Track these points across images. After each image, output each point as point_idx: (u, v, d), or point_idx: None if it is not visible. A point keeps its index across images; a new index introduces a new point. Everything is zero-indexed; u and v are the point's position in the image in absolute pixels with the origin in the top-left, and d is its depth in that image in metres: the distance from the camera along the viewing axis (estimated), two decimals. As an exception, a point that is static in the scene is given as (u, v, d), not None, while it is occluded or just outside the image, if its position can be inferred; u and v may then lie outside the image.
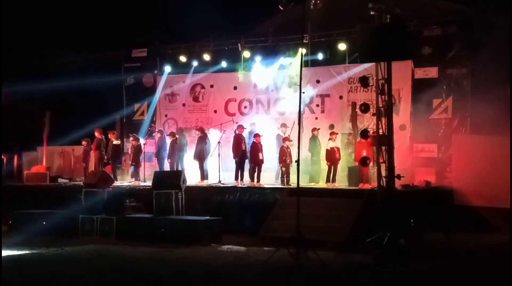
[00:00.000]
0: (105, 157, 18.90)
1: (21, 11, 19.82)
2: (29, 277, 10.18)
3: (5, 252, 11.68)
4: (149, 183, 16.82)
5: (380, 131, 13.07)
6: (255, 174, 17.15)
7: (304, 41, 18.05)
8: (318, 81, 19.27)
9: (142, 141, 19.35)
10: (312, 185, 17.12)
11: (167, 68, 21.34)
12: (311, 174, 17.65)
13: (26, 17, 20.81)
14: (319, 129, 17.92)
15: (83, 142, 19.21)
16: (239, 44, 20.36)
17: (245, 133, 18.00)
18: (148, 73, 22.17)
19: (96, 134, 18.90)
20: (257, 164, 17.18)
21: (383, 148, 12.98)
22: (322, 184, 17.03)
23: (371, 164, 14.67)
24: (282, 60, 19.56)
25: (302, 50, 15.73)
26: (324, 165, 17.24)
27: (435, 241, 13.42)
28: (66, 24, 21.50)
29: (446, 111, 17.51)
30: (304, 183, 16.45)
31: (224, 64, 20.53)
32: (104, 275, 10.12)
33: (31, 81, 21.01)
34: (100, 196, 15.49)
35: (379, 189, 13.03)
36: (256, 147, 17.23)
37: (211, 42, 20.95)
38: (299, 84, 11.99)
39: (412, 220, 13.32)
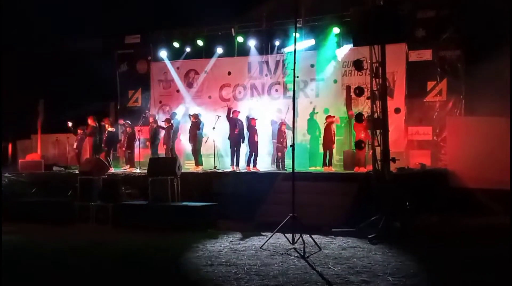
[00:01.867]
0: (103, 145, 18.88)
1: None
2: (24, 265, 10.18)
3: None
4: (144, 170, 16.81)
5: (375, 114, 13.06)
6: (252, 159, 17.17)
7: (298, 25, 17.98)
8: (312, 65, 19.25)
9: (136, 128, 19.28)
10: (312, 169, 17.13)
11: (163, 53, 21.27)
12: (311, 158, 17.69)
13: (17, 4, 20.63)
14: (317, 113, 17.94)
15: (78, 130, 19.16)
16: (232, 29, 20.30)
17: (242, 118, 17.99)
18: (142, 59, 22.12)
19: (90, 121, 18.85)
20: (253, 148, 17.19)
21: (378, 131, 12.98)
22: (320, 168, 17.07)
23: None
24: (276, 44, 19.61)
25: (296, 34, 15.69)
26: (322, 149, 17.29)
27: (430, 223, 13.47)
28: (58, 11, 21.33)
29: (441, 94, 17.57)
30: (304, 168, 16.49)
31: (219, 50, 20.48)
32: (100, 262, 10.14)
33: (24, 68, 20.95)
34: (95, 183, 15.47)
35: (374, 172, 13.04)
36: (252, 131, 17.25)
37: (204, 28, 20.87)
38: (293, 68, 11.95)
39: (407, 203, 13.35)
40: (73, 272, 9.51)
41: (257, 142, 17.32)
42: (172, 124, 18.71)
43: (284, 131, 17.01)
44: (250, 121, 17.43)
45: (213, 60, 20.72)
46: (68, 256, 10.77)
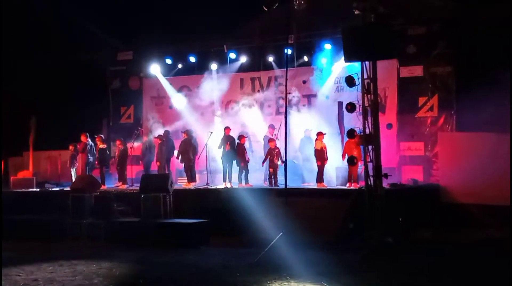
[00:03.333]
0: (96, 162, 18.81)
1: (5, 11, 19.64)
2: (17, 281, 10.11)
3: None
4: (136, 186, 16.75)
5: (367, 130, 13.10)
6: (243, 176, 17.16)
7: (289, 41, 18.09)
8: (304, 81, 19.31)
9: (129, 144, 19.21)
10: (305, 185, 17.10)
11: (155, 68, 21.23)
12: (303, 174, 17.66)
13: (11, 18, 20.61)
14: (311, 130, 17.94)
15: (70, 147, 19.09)
16: (225, 46, 20.34)
17: (234, 135, 17.98)
18: (134, 76, 22.13)
19: (82, 138, 18.78)
20: (243, 165, 17.19)
21: (370, 147, 13.01)
22: (313, 184, 17.05)
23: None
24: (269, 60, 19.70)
25: (287, 51, 15.80)
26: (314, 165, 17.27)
27: (423, 239, 13.47)
28: (51, 27, 21.35)
29: (432, 109, 17.64)
30: (297, 184, 16.48)
31: (214, 66, 20.47)
32: (92, 280, 10.07)
33: (16, 85, 20.90)
34: (87, 200, 15.40)
35: (367, 188, 13.06)
36: (242, 149, 17.25)
37: (197, 44, 20.91)
38: (285, 84, 12.00)
39: (400, 219, 13.36)
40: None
41: (248, 159, 17.32)
42: (163, 141, 18.66)
43: (276, 148, 16.98)
44: (240, 139, 17.44)
45: (213, 76, 20.70)
46: (58, 273, 10.69)
